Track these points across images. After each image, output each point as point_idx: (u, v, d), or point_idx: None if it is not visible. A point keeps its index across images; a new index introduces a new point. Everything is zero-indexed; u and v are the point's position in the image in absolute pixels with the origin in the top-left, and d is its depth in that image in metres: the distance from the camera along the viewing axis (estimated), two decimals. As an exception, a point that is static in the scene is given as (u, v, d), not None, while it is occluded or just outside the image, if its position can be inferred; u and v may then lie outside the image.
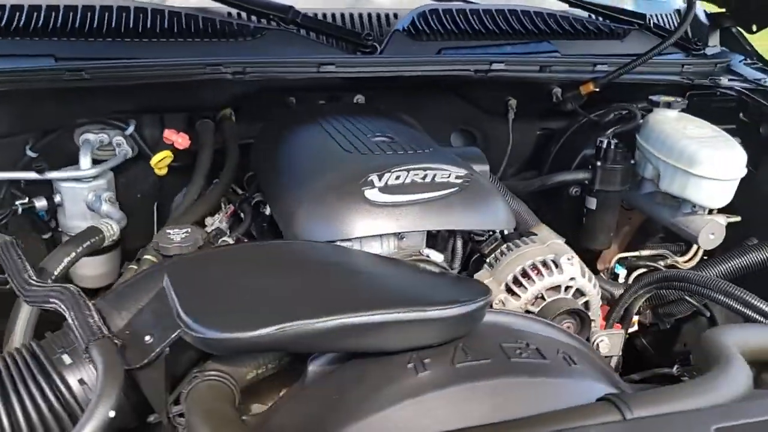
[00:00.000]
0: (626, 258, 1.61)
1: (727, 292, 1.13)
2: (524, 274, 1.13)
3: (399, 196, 1.09)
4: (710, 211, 1.49)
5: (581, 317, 1.12)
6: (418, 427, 0.76)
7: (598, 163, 1.58)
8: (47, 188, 1.54)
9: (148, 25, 1.54)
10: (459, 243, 1.19)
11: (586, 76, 1.66)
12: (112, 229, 1.29)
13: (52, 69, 1.38)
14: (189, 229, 1.06)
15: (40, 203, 1.52)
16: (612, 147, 1.56)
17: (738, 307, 1.11)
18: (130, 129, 1.55)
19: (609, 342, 1.19)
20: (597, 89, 1.65)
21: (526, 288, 1.12)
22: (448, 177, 1.14)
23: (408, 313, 0.81)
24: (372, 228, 1.07)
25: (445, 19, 1.72)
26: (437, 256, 1.12)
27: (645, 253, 1.63)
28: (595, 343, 1.18)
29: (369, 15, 1.72)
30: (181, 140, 1.47)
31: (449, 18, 1.73)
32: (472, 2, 1.80)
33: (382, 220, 1.07)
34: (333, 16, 1.67)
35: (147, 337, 0.80)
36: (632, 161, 1.59)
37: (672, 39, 1.60)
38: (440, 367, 0.83)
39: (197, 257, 0.95)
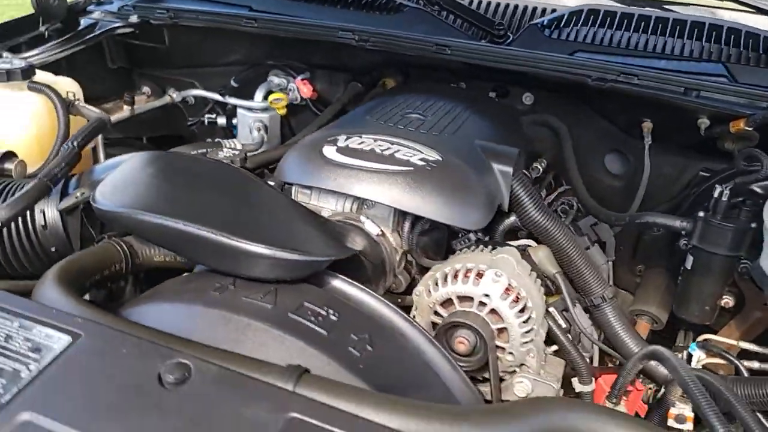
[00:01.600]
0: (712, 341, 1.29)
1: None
2: (455, 275, 1.07)
3: (351, 159, 1.14)
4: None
5: (480, 336, 1.01)
6: (173, 327, 0.87)
7: (701, 214, 1.28)
8: (234, 112, 1.96)
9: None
10: (407, 224, 1.17)
11: (744, 111, 1.34)
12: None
13: (237, 15, 1.75)
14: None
15: (221, 120, 1.96)
16: (724, 198, 1.25)
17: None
18: (299, 77, 1.86)
19: (530, 387, 1.04)
20: (749, 128, 1.32)
21: (438, 287, 1.06)
22: (411, 156, 1.14)
23: (229, 240, 0.92)
24: (317, 181, 1.16)
25: (600, 22, 1.57)
26: (372, 228, 1.14)
27: (742, 345, 1.27)
28: (512, 382, 1.05)
29: (515, 6, 1.66)
30: (306, 89, 1.71)
31: (607, 21, 1.56)
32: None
33: (327, 175, 1.14)
34: (479, 2, 1.68)
35: (78, 193, 1.09)
36: (753, 224, 1.24)
37: None
38: (232, 294, 0.91)
39: (151, 156, 1.17)
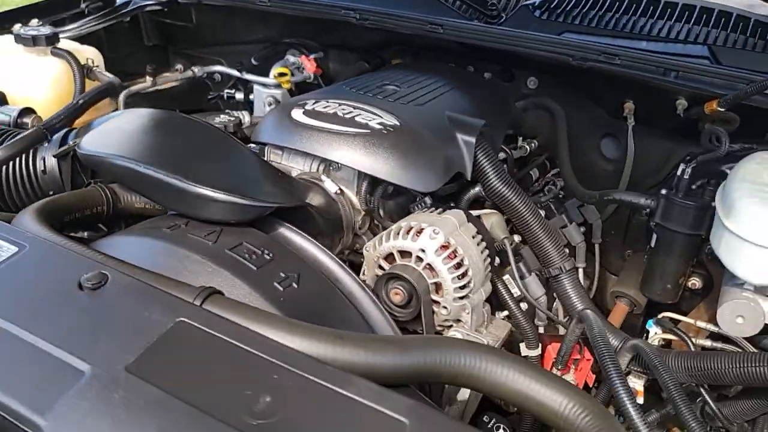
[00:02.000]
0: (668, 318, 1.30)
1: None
2: (398, 231, 1.14)
3: (314, 121, 1.23)
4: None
5: (413, 288, 1.07)
6: (127, 255, 0.98)
7: (663, 192, 1.30)
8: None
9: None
10: (365, 184, 1.24)
11: (719, 92, 1.34)
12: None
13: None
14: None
15: (239, 95, 2.08)
16: (686, 177, 1.26)
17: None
18: (311, 55, 1.96)
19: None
20: (721, 109, 1.32)
21: (383, 243, 1.13)
22: (369, 120, 1.21)
23: (181, 183, 1.02)
24: (283, 140, 1.25)
25: (591, 4, 1.58)
26: (331, 186, 1.22)
27: (699, 324, 1.27)
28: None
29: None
30: (310, 65, 1.81)
31: (598, 3, 1.58)
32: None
33: (292, 136, 1.23)
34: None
35: (72, 141, 1.22)
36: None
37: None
38: (181, 232, 1.02)
39: (136, 112, 1.28)
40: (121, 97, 1.83)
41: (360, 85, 1.41)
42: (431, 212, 1.20)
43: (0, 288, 0.78)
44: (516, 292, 1.29)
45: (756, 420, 1.17)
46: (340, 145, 1.20)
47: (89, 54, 1.63)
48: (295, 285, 0.96)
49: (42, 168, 1.26)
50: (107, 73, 1.59)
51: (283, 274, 0.97)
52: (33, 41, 1.52)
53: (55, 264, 0.83)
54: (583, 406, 0.75)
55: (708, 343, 1.22)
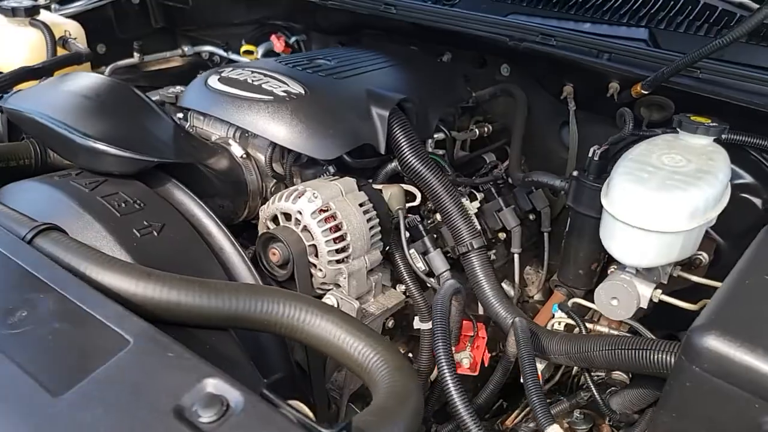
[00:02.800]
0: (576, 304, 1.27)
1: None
2: (283, 195, 1.17)
3: (226, 88, 1.28)
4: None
5: (288, 249, 1.11)
6: (16, 197, 1.06)
7: (575, 173, 1.26)
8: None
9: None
10: (270, 150, 1.27)
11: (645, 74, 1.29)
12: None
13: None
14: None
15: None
16: (596, 159, 1.23)
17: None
18: (293, 38, 2.02)
19: (334, 304, 1.12)
20: (644, 91, 1.27)
21: (270, 205, 1.17)
22: (275, 88, 1.25)
23: (70, 134, 1.10)
24: (201, 106, 1.31)
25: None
26: (237, 150, 1.27)
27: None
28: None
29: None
30: (279, 44, 1.87)
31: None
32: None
33: (207, 101, 1.29)
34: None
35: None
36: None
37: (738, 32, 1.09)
38: (66, 179, 1.09)
39: (64, 75, 1.36)
40: (107, 70, 1.96)
41: (292, 59, 1.45)
42: (327, 175, 1.23)
43: None
44: (421, 266, 1.30)
45: (644, 411, 1.12)
46: (244, 111, 1.24)
47: (69, 27, 1.75)
48: (155, 233, 1.02)
49: (-10, 124, 1.38)
50: (80, 45, 1.70)
51: (146, 223, 1.02)
52: (12, 12, 1.65)
53: None
54: (382, 359, 0.77)
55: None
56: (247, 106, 1.24)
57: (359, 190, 1.21)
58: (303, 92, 1.26)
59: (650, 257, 1.02)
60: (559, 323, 1.25)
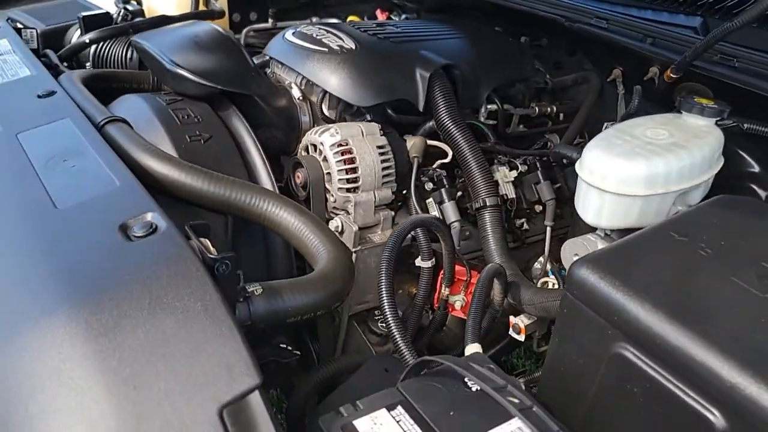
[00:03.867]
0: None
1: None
2: (317, 130, 1.39)
3: (297, 40, 1.53)
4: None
5: (308, 173, 1.32)
6: (125, 104, 1.40)
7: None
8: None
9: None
10: (321, 95, 1.48)
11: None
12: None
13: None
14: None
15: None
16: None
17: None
18: (404, 15, 2.24)
19: (338, 225, 1.32)
20: (673, 75, 1.30)
21: (305, 138, 1.40)
22: (332, 42, 1.47)
23: (169, 65, 1.41)
24: (276, 54, 1.57)
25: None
26: (296, 92, 1.51)
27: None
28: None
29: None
30: (382, 17, 2.09)
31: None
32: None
33: (281, 51, 1.55)
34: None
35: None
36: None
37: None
38: (155, 95, 1.41)
39: (192, 23, 1.69)
40: (243, 31, 2.31)
41: (366, 24, 1.65)
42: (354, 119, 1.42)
43: None
44: (434, 213, 1.44)
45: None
46: (303, 60, 1.48)
47: (219, -15, 2.12)
48: (202, 141, 1.29)
49: (130, 56, 1.76)
50: (217, 5, 2.06)
51: (197, 133, 1.30)
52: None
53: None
54: (330, 255, 0.97)
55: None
56: (306, 56, 1.47)
57: (381, 136, 1.38)
58: (354, 47, 1.46)
59: (606, 218, 1.08)
60: (548, 284, 1.33)
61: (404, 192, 1.42)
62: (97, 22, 1.80)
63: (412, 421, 0.75)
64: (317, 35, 1.51)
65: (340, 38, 1.49)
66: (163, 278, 0.74)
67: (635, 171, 1.03)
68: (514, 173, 1.58)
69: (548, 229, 1.59)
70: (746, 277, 0.81)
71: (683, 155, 1.05)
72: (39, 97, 1.21)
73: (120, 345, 0.68)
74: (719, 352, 0.71)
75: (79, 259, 0.79)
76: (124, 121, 1.19)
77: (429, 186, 1.47)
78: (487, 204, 1.39)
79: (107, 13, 1.85)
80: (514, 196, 1.56)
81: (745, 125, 1.19)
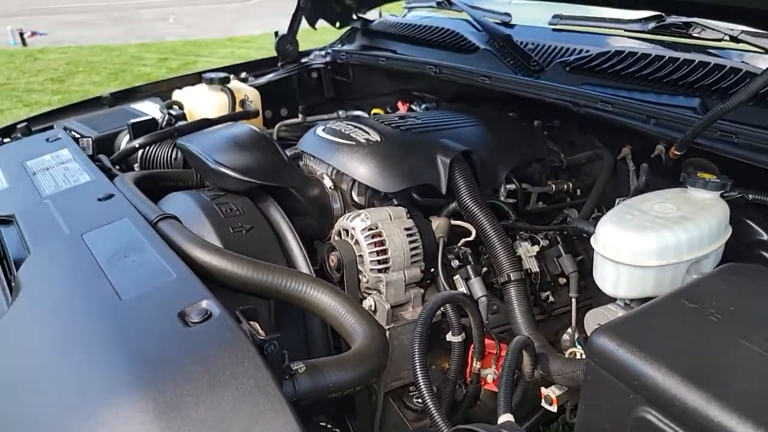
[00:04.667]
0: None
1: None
2: (349, 216, 1.50)
3: (327, 135, 1.67)
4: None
5: (341, 256, 1.42)
6: (172, 201, 1.54)
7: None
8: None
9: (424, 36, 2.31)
10: (351, 183, 1.60)
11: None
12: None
13: (376, 55, 2.40)
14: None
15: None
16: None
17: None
18: (423, 105, 2.40)
19: (371, 304, 1.40)
20: (677, 152, 1.39)
21: (338, 223, 1.50)
22: (359, 136, 1.60)
23: (209, 162, 1.56)
24: (308, 149, 1.70)
25: (619, 61, 1.72)
26: (327, 182, 1.63)
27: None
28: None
29: (557, 48, 1.90)
30: (403, 108, 2.25)
31: (626, 61, 1.72)
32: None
33: (312, 145, 1.69)
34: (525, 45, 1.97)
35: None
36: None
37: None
38: (199, 192, 1.54)
39: (229, 125, 1.84)
40: (276, 127, 2.49)
41: (389, 117, 1.79)
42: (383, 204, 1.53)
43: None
44: (462, 289, 1.52)
45: None
46: (333, 153, 1.61)
47: (248, 92, 2.31)
48: (244, 232, 1.40)
49: (174, 156, 1.92)
50: (252, 106, 2.24)
51: (240, 224, 1.42)
52: (210, 81, 2.24)
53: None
54: (365, 333, 1.05)
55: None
56: (336, 149, 1.61)
57: (408, 218, 1.48)
58: (379, 139, 1.59)
59: (623, 288, 1.15)
60: (576, 354, 1.38)
61: (432, 270, 1.51)
62: (144, 127, 1.97)
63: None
64: (345, 130, 1.65)
65: (366, 132, 1.62)
66: (219, 359, 0.83)
67: (646, 243, 1.11)
68: (536, 248, 1.66)
69: (573, 300, 1.65)
70: (756, 340, 0.87)
71: (690, 227, 1.12)
72: (99, 200, 1.34)
73: (185, 420, 0.76)
74: (734, 411, 0.77)
75: (143, 345, 0.89)
76: (174, 217, 1.31)
77: (455, 263, 1.56)
78: (512, 278, 1.46)
79: (153, 119, 2.03)
80: (537, 269, 1.64)
81: (750, 196, 1.27)
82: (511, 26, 2.20)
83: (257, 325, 0.94)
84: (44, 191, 1.43)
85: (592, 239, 1.20)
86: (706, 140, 1.38)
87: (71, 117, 2.25)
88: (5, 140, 2.16)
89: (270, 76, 2.66)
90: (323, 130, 1.70)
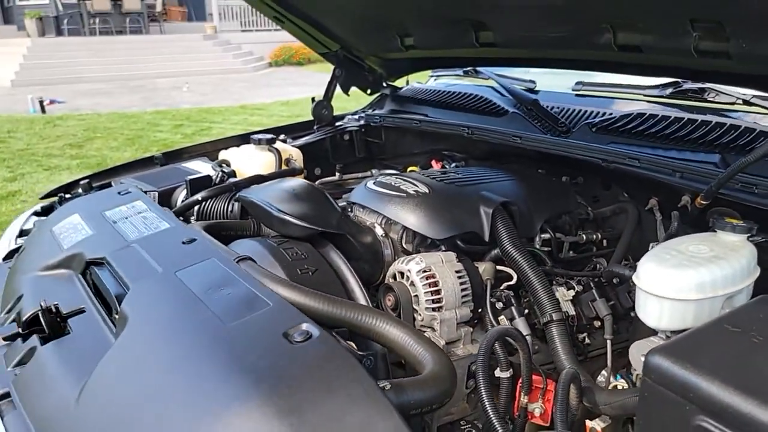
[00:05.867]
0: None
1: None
2: (401, 260, 1.64)
3: (377, 188, 1.82)
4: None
5: (397, 296, 1.55)
6: (241, 246, 1.69)
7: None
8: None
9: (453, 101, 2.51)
10: (401, 231, 1.74)
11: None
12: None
13: (410, 118, 2.59)
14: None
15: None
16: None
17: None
18: (453, 164, 2.57)
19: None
20: (703, 202, 1.54)
21: (393, 267, 1.64)
22: (408, 188, 1.76)
23: (269, 209, 1.71)
24: (360, 200, 1.86)
25: (642, 122, 1.90)
26: (379, 230, 1.78)
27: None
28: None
29: (584, 111, 2.09)
30: (437, 167, 2.41)
31: (648, 121, 1.90)
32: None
33: (364, 197, 1.84)
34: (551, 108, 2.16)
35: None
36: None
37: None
38: (267, 240, 1.69)
39: (284, 180, 2.01)
40: (316, 183, 2.65)
41: (433, 172, 1.96)
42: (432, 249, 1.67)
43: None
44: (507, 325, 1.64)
45: None
46: (385, 203, 1.76)
47: (292, 152, 2.49)
48: (310, 274, 1.54)
49: (231, 209, 2.07)
50: (297, 164, 2.41)
51: (305, 267, 1.55)
52: (258, 141, 2.42)
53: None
54: (435, 359, 1.17)
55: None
56: (387, 200, 1.76)
57: (458, 262, 1.62)
58: (427, 191, 1.75)
59: (665, 321, 1.27)
60: (618, 386, 1.48)
61: (480, 310, 1.63)
62: (200, 183, 2.14)
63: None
64: (395, 183, 1.81)
65: (414, 184, 1.78)
66: (327, 370, 0.95)
67: (686, 279, 1.24)
68: (572, 292, 1.79)
69: (608, 342, 1.76)
70: (794, 356, 0.99)
71: (724, 265, 1.26)
72: (183, 243, 1.48)
73: (305, 422, 0.88)
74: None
75: (255, 360, 1.01)
76: (251, 258, 1.45)
77: (499, 305, 1.68)
78: (554, 318, 1.58)
79: (208, 175, 2.20)
80: (573, 313, 1.76)
81: (773, 239, 1.41)
82: (536, 92, 2.40)
83: (352, 344, 1.06)
84: (129, 237, 1.57)
85: (634, 277, 1.33)
86: (729, 191, 1.53)
87: (126, 175, 2.42)
88: (66, 196, 2.33)
89: (306, 138, 2.85)
90: (374, 183, 1.86)
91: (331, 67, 2.84)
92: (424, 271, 1.57)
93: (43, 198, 2.36)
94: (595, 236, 1.99)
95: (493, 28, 1.95)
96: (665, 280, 1.26)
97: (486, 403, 1.27)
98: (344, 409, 0.89)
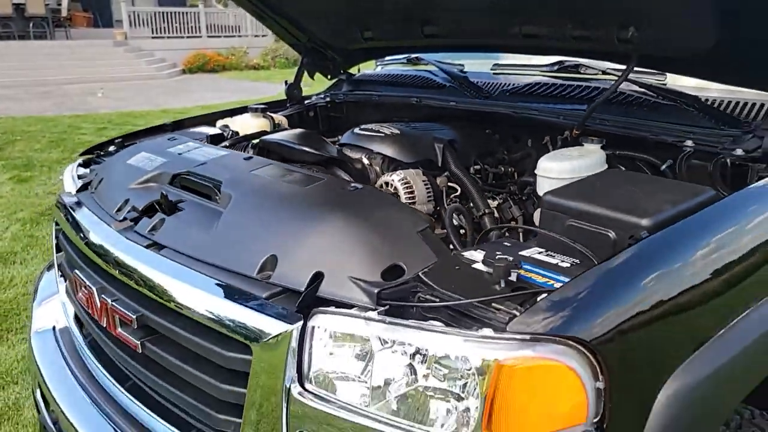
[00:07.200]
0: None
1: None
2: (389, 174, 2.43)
3: (363, 132, 2.62)
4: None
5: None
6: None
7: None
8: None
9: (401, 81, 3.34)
10: (380, 160, 2.54)
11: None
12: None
13: (368, 93, 3.38)
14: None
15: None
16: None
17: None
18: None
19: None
20: (577, 131, 2.44)
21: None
22: (386, 131, 2.57)
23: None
24: (351, 141, 2.64)
25: (531, 88, 2.81)
26: (365, 160, 2.56)
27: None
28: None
29: (500, 83, 2.98)
30: (392, 128, 3.23)
31: (534, 87, 2.80)
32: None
33: (354, 139, 2.63)
34: (477, 82, 3.03)
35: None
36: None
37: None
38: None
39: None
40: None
41: (399, 124, 2.77)
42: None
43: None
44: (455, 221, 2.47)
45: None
46: (369, 141, 2.55)
47: (281, 119, 3.22)
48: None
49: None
50: (285, 128, 3.15)
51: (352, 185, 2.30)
52: (254, 110, 3.14)
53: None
54: None
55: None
56: (371, 138, 2.55)
57: (423, 175, 2.43)
58: (398, 132, 2.56)
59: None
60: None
61: (437, 208, 2.45)
62: (216, 139, 2.84)
63: None
64: (375, 128, 2.61)
65: (389, 128, 2.59)
66: (373, 197, 1.73)
67: (564, 166, 2.11)
68: (496, 202, 2.64)
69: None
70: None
71: (586, 159, 2.14)
72: (244, 159, 2.19)
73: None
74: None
75: (334, 196, 1.77)
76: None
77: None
78: (486, 212, 2.43)
79: (221, 133, 2.91)
80: (497, 215, 2.61)
81: (616, 152, 2.31)
82: (465, 72, 3.25)
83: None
84: (198, 159, 2.25)
85: (536, 169, 2.19)
86: (591, 124, 2.43)
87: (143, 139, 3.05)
88: (101, 153, 2.93)
89: (282, 112, 3.57)
90: (359, 129, 2.65)
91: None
92: (403, 180, 2.37)
93: (81, 155, 2.94)
94: (510, 169, 2.86)
95: (436, 23, 2.78)
96: (552, 167, 2.13)
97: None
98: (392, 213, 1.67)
